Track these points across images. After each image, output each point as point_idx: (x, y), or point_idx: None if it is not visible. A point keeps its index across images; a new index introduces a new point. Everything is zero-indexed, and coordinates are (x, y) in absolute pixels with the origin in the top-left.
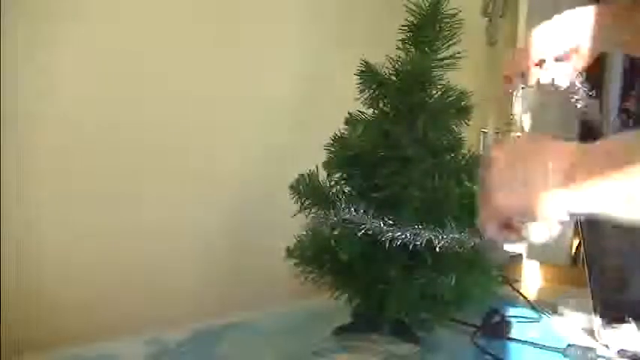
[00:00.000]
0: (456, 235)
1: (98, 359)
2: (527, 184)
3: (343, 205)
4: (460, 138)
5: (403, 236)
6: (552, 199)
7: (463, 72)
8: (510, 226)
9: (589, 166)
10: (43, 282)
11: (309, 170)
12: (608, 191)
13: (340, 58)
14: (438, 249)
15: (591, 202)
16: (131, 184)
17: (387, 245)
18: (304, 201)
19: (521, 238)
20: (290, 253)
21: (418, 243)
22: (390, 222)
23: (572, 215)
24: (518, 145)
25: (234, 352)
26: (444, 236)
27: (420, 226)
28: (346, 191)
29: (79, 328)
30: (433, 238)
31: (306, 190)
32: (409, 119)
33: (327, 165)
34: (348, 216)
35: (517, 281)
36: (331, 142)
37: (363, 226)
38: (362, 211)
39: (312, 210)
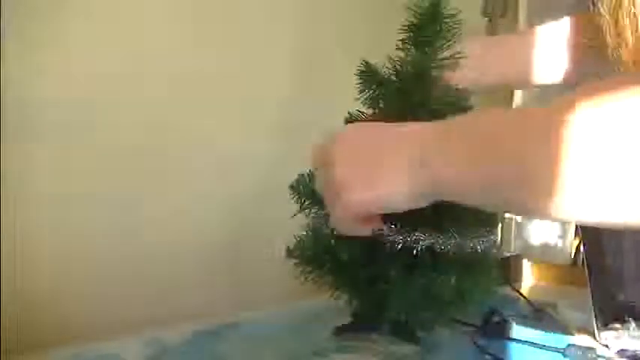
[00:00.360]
0: (457, 241)
1: (98, 359)
2: (375, 175)
3: None
4: None
5: (403, 241)
6: (407, 188)
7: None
8: (367, 219)
9: (445, 148)
10: (42, 281)
11: (309, 170)
12: (470, 176)
13: (339, 58)
14: (439, 251)
15: (453, 189)
16: (131, 184)
17: (388, 247)
18: (304, 201)
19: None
20: (290, 253)
21: (419, 248)
22: (391, 224)
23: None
24: (362, 133)
25: (234, 352)
26: (445, 242)
27: (420, 231)
28: None
29: (79, 328)
30: (434, 243)
31: (306, 190)
32: (410, 119)
33: None
34: None
35: (517, 281)
36: None
37: None
38: None
39: (312, 210)
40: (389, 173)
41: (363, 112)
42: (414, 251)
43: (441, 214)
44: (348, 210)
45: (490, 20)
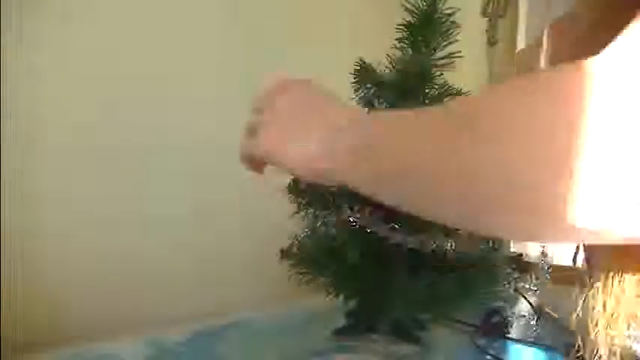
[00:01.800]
0: (463, 242)
1: (98, 359)
2: (295, 130)
3: (348, 208)
4: None
5: (411, 242)
6: (322, 155)
7: (463, 72)
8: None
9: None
10: (43, 282)
11: None
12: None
13: (338, 58)
14: (446, 253)
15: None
16: (131, 185)
17: (394, 247)
18: (301, 201)
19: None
20: (286, 254)
21: (426, 250)
22: (397, 225)
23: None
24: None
25: (234, 352)
26: (453, 242)
27: (426, 232)
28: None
29: (79, 328)
30: (442, 245)
31: (304, 191)
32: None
33: None
34: (353, 218)
35: (517, 281)
36: None
37: (370, 228)
38: (368, 212)
39: (311, 210)
40: (304, 141)
41: None
42: (420, 252)
43: None
44: (253, 149)
45: (490, 20)
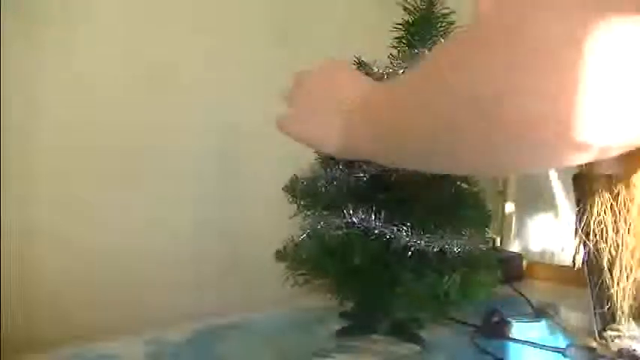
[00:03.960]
0: (468, 241)
1: (98, 359)
2: (315, 113)
3: (349, 209)
4: None
5: (416, 243)
6: (339, 134)
7: None
8: None
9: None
10: (43, 282)
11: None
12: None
13: (336, 56)
14: (449, 253)
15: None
16: (131, 185)
17: (398, 249)
18: (300, 201)
19: None
20: (281, 256)
21: (431, 250)
22: (401, 226)
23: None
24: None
25: (234, 352)
26: (457, 242)
27: (431, 233)
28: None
29: (79, 328)
30: (447, 245)
31: (302, 191)
32: None
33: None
34: (355, 219)
35: (517, 281)
36: None
37: (373, 230)
38: (372, 213)
39: (311, 211)
40: (328, 117)
41: None
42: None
43: (437, 214)
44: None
45: None
